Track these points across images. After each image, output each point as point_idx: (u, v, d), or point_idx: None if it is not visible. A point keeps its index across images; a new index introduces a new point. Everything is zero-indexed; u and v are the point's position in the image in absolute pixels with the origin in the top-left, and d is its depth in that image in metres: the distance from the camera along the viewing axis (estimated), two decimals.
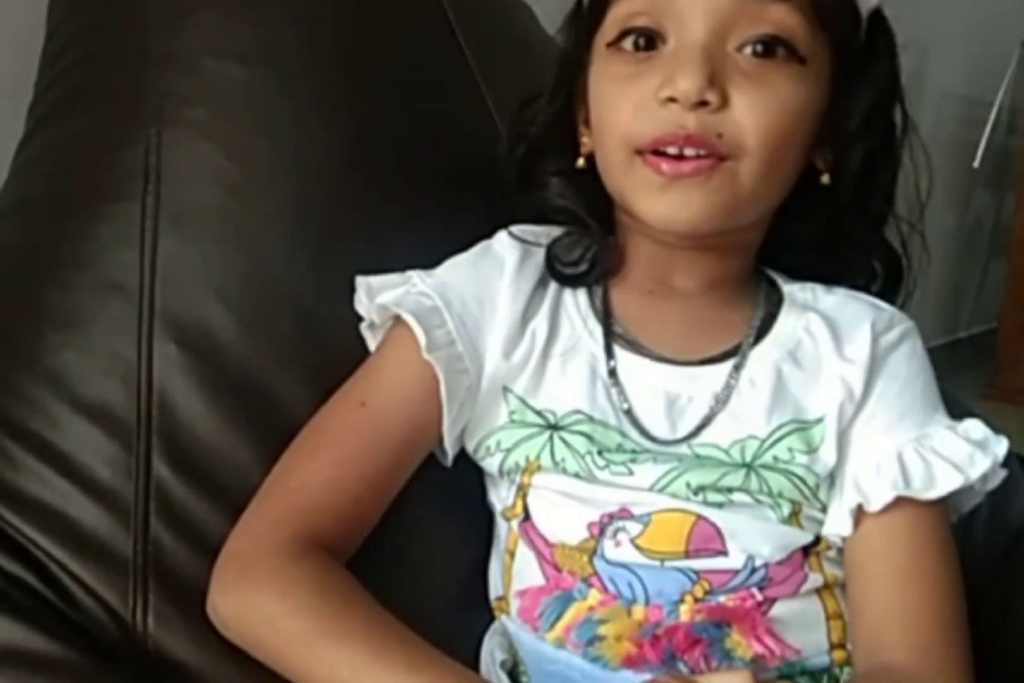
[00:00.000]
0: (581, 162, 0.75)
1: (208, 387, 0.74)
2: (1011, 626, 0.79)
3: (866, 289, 0.79)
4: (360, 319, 0.77)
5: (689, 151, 0.67)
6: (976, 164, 2.70)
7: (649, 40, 0.69)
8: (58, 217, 0.79)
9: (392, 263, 0.77)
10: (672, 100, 0.67)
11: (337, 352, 0.76)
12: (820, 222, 0.75)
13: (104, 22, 0.85)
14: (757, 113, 0.67)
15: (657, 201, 0.69)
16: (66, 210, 0.79)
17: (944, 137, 2.76)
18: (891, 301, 0.79)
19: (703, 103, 0.66)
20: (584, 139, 0.76)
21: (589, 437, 0.70)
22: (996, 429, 0.73)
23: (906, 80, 2.53)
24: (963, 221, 2.95)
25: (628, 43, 0.70)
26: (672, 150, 0.67)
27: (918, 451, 0.70)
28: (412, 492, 0.73)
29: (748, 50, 0.68)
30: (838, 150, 0.73)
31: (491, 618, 0.76)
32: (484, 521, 0.78)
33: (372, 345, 0.76)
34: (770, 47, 0.68)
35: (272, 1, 0.85)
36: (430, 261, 0.77)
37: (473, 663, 0.74)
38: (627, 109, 0.69)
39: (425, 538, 0.77)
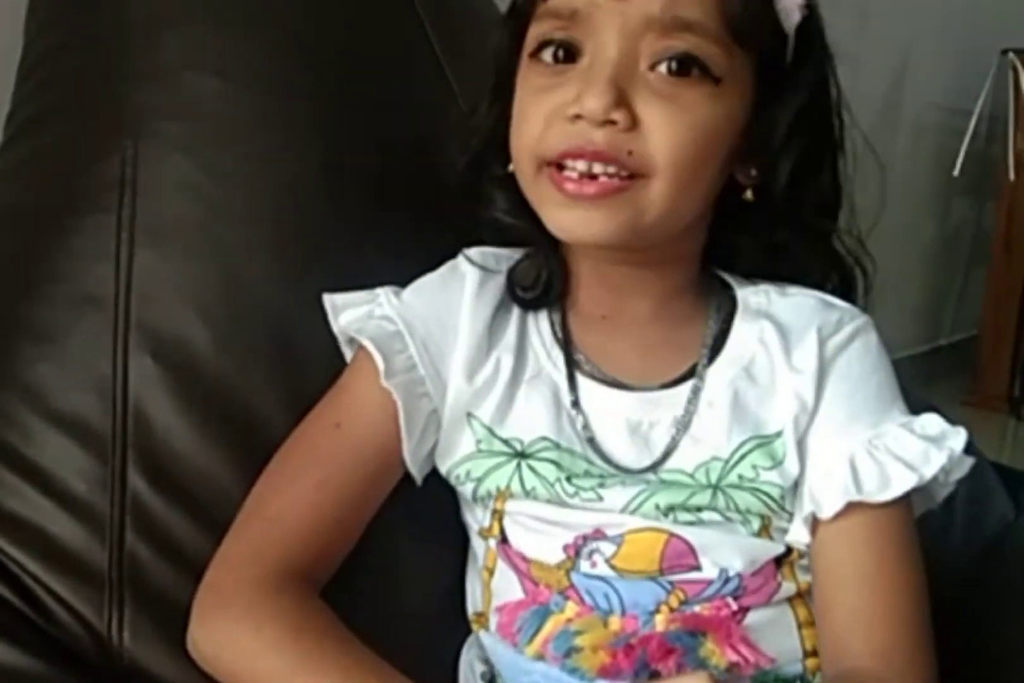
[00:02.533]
0: (512, 167, 0.73)
1: (184, 400, 0.74)
2: (985, 632, 0.79)
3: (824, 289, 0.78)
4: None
5: (598, 167, 0.67)
6: (956, 173, 2.71)
7: (568, 53, 0.69)
8: (33, 230, 0.79)
9: (369, 276, 0.77)
10: (579, 117, 0.66)
11: (314, 365, 0.77)
12: (757, 235, 0.74)
13: (81, 35, 0.85)
14: (667, 132, 0.66)
15: (562, 215, 0.69)
16: (41, 223, 0.79)
17: (924, 146, 2.77)
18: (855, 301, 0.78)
19: (611, 122, 0.66)
20: None
21: (557, 464, 0.70)
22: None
23: (886, 90, 2.55)
24: (944, 229, 2.96)
25: (547, 55, 0.69)
26: (581, 166, 0.67)
27: (871, 453, 0.70)
28: (386, 509, 0.73)
29: (662, 68, 0.67)
30: (762, 165, 0.72)
31: (468, 631, 0.76)
32: (458, 536, 0.78)
33: (349, 359, 0.77)
34: (684, 66, 0.67)
35: (250, 16, 0.86)
36: (407, 275, 0.77)
37: (451, 676, 0.74)
38: (538, 121, 0.69)
39: (400, 555, 0.77)
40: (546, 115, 0.68)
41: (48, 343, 0.74)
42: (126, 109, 0.81)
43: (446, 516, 0.78)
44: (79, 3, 0.87)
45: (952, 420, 0.72)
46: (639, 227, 0.68)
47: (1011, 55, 2.71)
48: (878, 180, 0.78)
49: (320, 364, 0.76)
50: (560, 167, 0.68)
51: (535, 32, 0.70)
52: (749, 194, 0.73)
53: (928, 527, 0.75)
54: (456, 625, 0.76)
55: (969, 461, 0.71)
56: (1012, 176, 2.69)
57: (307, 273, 0.79)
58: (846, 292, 0.78)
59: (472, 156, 0.77)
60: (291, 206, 0.80)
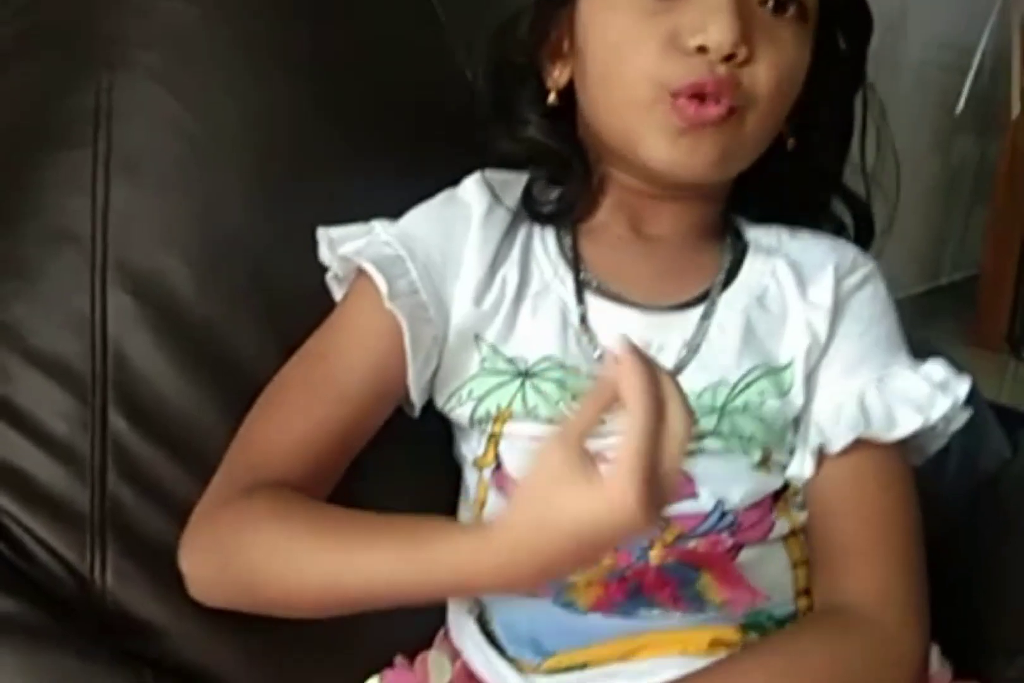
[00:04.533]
0: (553, 98, 0.73)
1: (164, 338, 0.72)
2: (979, 570, 0.79)
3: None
4: (321, 270, 0.75)
5: (711, 98, 0.67)
6: (959, 110, 2.67)
7: None
8: (6, 165, 0.76)
9: (354, 212, 0.75)
10: (702, 49, 0.66)
11: (295, 303, 0.75)
12: (778, 174, 0.76)
13: None
14: (772, 69, 0.68)
15: (670, 146, 0.68)
16: (14, 157, 0.76)
17: (927, 84, 2.73)
18: (864, 248, 0.79)
19: (731, 56, 0.66)
20: (556, 73, 0.74)
21: (561, 384, 0.69)
22: (962, 369, 0.73)
23: (887, 28, 2.52)
24: (946, 167, 2.92)
25: None
26: (701, 99, 0.67)
27: (879, 393, 0.71)
28: (377, 443, 0.72)
29: (768, 5, 0.68)
30: (806, 108, 0.73)
31: None
32: (451, 473, 0.76)
33: (338, 297, 0.75)
34: (783, 5, 0.68)
35: None
36: (394, 211, 0.75)
37: (440, 611, 0.73)
38: (651, 48, 0.67)
39: (391, 490, 0.75)
40: (660, 43, 0.67)
41: (23, 280, 0.72)
42: (98, 38, 0.79)
43: (437, 453, 0.77)
44: None
45: (957, 366, 0.73)
46: (735, 158, 0.70)
47: None
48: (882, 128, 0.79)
49: (304, 302, 0.74)
50: (674, 97, 0.67)
51: None
52: (791, 141, 0.75)
53: (924, 464, 0.75)
54: None
55: (966, 413, 0.72)
56: (1015, 113, 2.65)
57: (290, 207, 0.76)
58: (858, 236, 0.79)
59: (509, 79, 0.75)
60: (273, 140, 0.78)
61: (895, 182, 0.80)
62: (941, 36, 2.69)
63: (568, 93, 0.74)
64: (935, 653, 0.71)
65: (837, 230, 0.80)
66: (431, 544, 0.57)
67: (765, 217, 0.79)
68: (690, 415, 0.53)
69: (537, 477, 0.54)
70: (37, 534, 0.66)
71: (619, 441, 0.52)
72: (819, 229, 0.79)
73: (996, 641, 0.74)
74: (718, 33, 0.65)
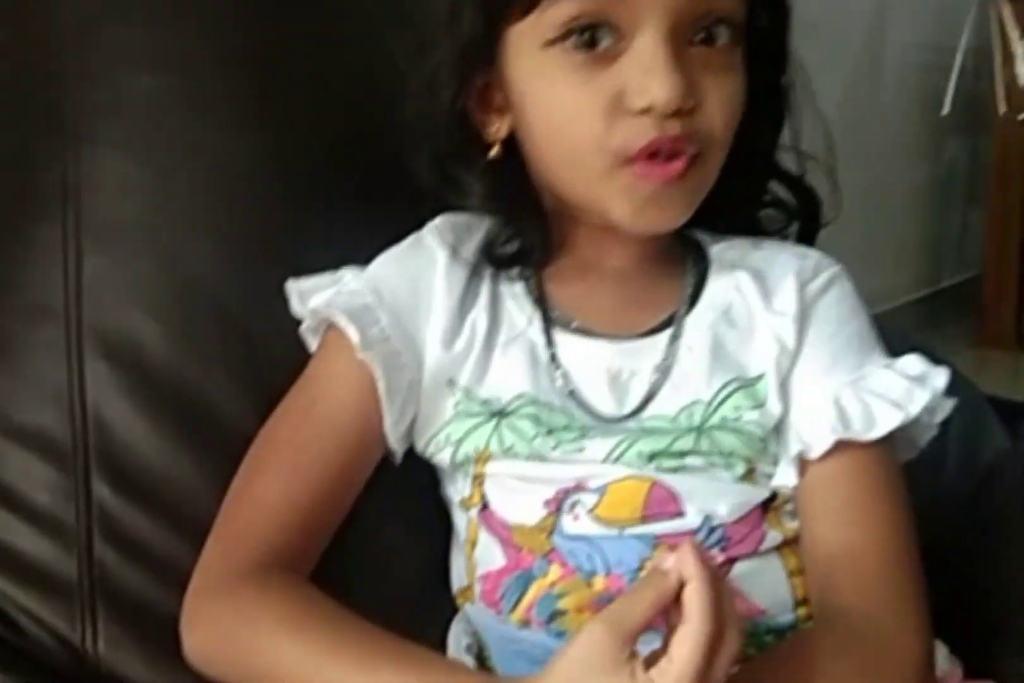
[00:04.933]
0: (496, 151, 0.72)
1: (143, 402, 0.73)
2: (984, 565, 0.79)
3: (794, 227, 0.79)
4: (295, 322, 0.76)
5: (669, 154, 0.66)
6: (945, 111, 2.67)
7: (594, 38, 0.65)
8: None
9: (321, 264, 0.75)
10: (648, 109, 0.65)
11: (271, 358, 0.76)
12: (737, 184, 0.74)
13: (8, 41, 0.84)
14: (721, 106, 0.67)
15: (640, 210, 0.68)
16: None
17: (911, 86, 2.73)
18: (812, 239, 0.79)
19: (680, 109, 0.65)
20: (494, 127, 0.72)
21: (536, 419, 0.70)
22: (941, 362, 0.73)
23: (867, 33, 2.50)
24: (937, 170, 2.92)
25: (573, 43, 0.65)
26: (660, 158, 0.66)
27: (855, 393, 0.70)
28: (366, 490, 0.73)
29: (698, 40, 0.66)
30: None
31: (455, 610, 0.76)
32: (439, 514, 0.77)
33: (314, 348, 0.75)
34: (714, 34, 0.67)
35: (178, 8, 0.84)
36: (364, 257, 0.76)
37: (439, 649, 0.73)
38: (597, 116, 0.66)
39: (383, 535, 0.76)
40: (603, 111, 0.65)
41: (1, 356, 0.73)
42: (62, 112, 0.80)
43: (427, 496, 0.77)
44: (5, 5, 0.86)
45: (936, 360, 0.72)
46: (700, 199, 0.70)
47: None
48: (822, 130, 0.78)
49: (279, 355, 0.75)
50: (632, 160, 0.66)
51: (554, 16, 0.65)
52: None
53: (922, 462, 0.75)
54: (443, 605, 0.75)
55: (951, 403, 0.71)
56: (1002, 109, 2.65)
57: (257, 263, 0.77)
58: (812, 230, 0.79)
59: (442, 150, 0.73)
60: (235, 196, 0.79)
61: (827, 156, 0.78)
62: (921, 37, 2.70)
63: (510, 140, 0.72)
64: (943, 652, 0.71)
65: (787, 215, 0.79)
66: None
67: (720, 219, 0.77)
68: (742, 638, 0.55)
69: (577, 658, 0.54)
70: (26, 606, 0.68)
71: (675, 644, 0.53)
72: (767, 216, 0.79)
73: (1007, 636, 0.73)
74: (661, 92, 0.64)
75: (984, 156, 2.86)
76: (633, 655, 0.53)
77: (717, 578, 0.55)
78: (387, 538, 0.77)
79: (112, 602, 0.69)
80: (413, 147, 0.73)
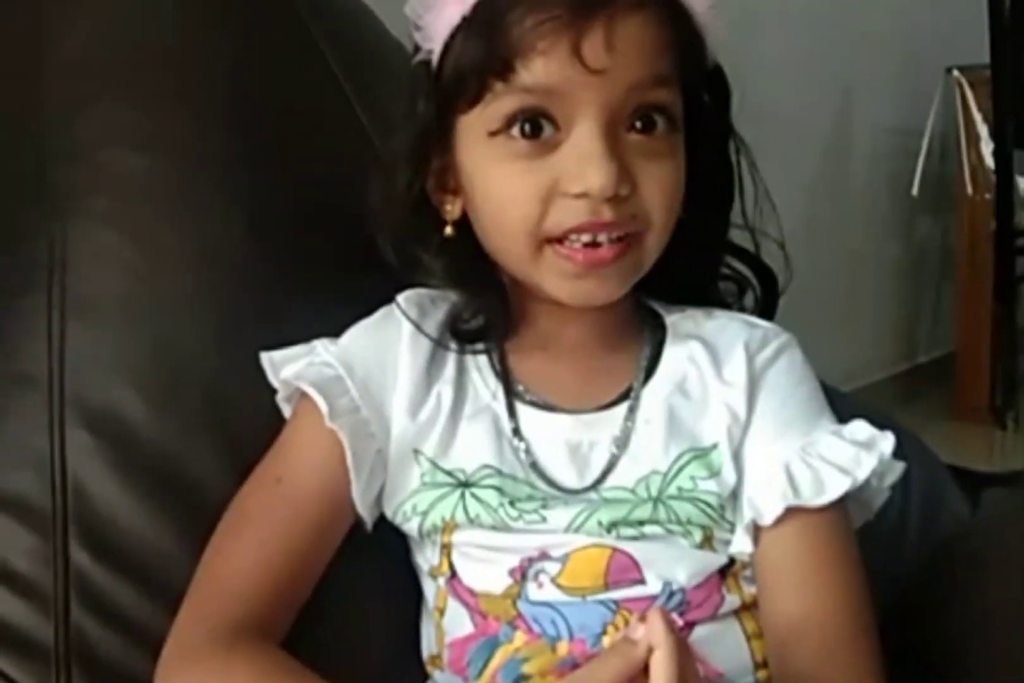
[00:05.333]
0: (449, 231, 0.74)
1: (123, 471, 0.75)
2: (939, 630, 0.79)
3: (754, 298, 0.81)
4: (274, 392, 0.77)
5: (602, 237, 0.69)
6: (915, 192, 2.74)
7: (535, 126, 0.68)
8: None
9: (299, 335, 0.77)
10: (583, 195, 0.67)
11: (251, 428, 0.77)
12: (690, 257, 0.77)
13: None
14: (660, 191, 0.69)
15: (573, 287, 0.71)
16: None
17: (880, 168, 2.80)
18: (771, 314, 0.81)
19: (615, 195, 0.67)
20: (448, 207, 0.75)
21: (500, 490, 0.71)
22: (896, 429, 0.74)
23: (835, 118, 2.57)
24: (910, 249, 2.98)
25: (516, 131, 0.69)
26: (586, 238, 0.69)
27: (804, 459, 0.71)
28: (338, 558, 0.74)
29: (637, 127, 0.69)
30: (688, 189, 0.74)
31: (425, 677, 0.76)
32: (411, 583, 0.77)
33: (288, 416, 0.77)
34: (652, 122, 0.69)
35: (165, 89, 0.87)
36: (339, 327, 0.78)
37: None
38: (532, 202, 0.69)
39: (354, 602, 0.77)
40: (540, 195, 0.68)
41: None
42: (49, 188, 0.83)
43: (399, 563, 0.78)
44: None
45: (884, 426, 0.74)
46: (637, 276, 0.72)
47: (955, 73, 2.74)
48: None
49: (259, 424, 0.77)
50: (561, 240, 0.69)
51: (498, 109, 0.68)
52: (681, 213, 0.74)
53: (883, 529, 0.77)
54: (413, 672, 0.76)
55: (900, 466, 0.73)
56: (969, 191, 2.72)
57: (238, 334, 0.79)
58: (770, 303, 0.81)
59: (402, 229, 0.76)
60: (218, 271, 0.81)
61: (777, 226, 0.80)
62: (888, 121, 2.77)
63: (465, 221, 0.75)
64: None
65: (741, 288, 0.81)
66: None
67: (675, 291, 0.80)
68: None
69: None
70: (2, 669, 0.68)
71: None
72: (726, 290, 0.81)
73: None
74: (597, 179, 0.66)
75: (953, 235, 2.93)
76: None
77: (684, 646, 0.56)
78: (358, 605, 0.77)
79: (88, 667, 0.69)
80: (376, 229, 0.76)
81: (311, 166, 0.89)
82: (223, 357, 0.79)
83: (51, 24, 0.88)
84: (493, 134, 0.69)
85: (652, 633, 0.55)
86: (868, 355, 2.69)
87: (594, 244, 0.69)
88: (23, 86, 0.87)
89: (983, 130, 2.67)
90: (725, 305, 0.81)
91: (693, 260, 0.77)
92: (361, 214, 0.88)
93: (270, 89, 0.91)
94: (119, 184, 0.83)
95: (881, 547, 0.75)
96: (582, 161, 0.67)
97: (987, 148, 2.67)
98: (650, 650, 0.55)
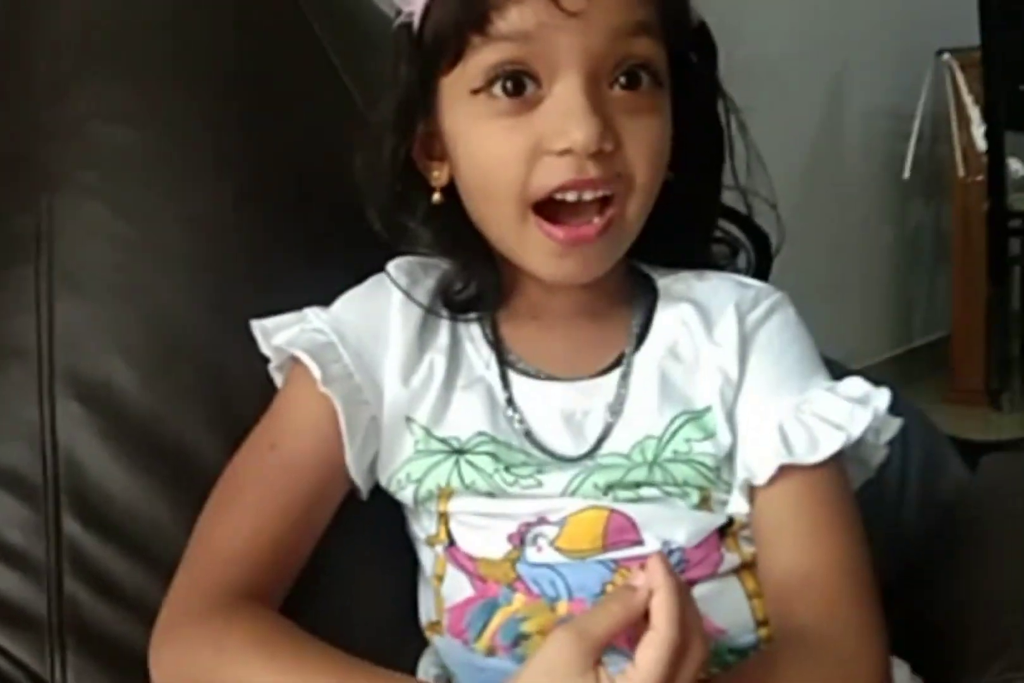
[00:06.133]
0: (438, 198, 0.74)
1: (114, 442, 0.74)
2: (942, 591, 0.79)
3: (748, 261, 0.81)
4: (265, 362, 0.77)
5: (588, 195, 0.68)
6: (906, 175, 2.74)
7: (518, 84, 0.67)
8: None
9: (292, 304, 0.76)
10: (567, 151, 0.66)
11: (242, 397, 0.77)
12: (680, 219, 0.76)
13: None
14: (644, 149, 0.68)
15: (556, 264, 0.70)
16: None
17: (872, 152, 2.80)
18: (765, 275, 0.80)
19: (600, 150, 0.66)
20: (435, 174, 0.74)
21: (495, 456, 0.71)
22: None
23: (827, 101, 2.58)
24: (903, 232, 2.98)
25: (498, 89, 0.67)
26: (571, 196, 0.68)
27: (798, 417, 0.71)
28: (334, 526, 0.73)
29: (619, 85, 0.68)
30: (677, 151, 0.73)
31: (424, 645, 0.76)
32: (406, 549, 0.77)
33: (280, 384, 0.77)
34: (635, 77, 0.68)
35: (153, 61, 0.86)
36: (328, 296, 0.77)
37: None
38: (518, 162, 0.67)
39: (352, 571, 0.77)
40: (524, 155, 0.67)
41: None
42: (38, 162, 0.82)
43: (396, 533, 0.77)
44: None
45: (878, 383, 0.73)
46: (622, 249, 0.71)
47: (946, 55, 2.74)
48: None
49: (250, 393, 0.76)
50: (542, 209, 0.68)
51: (478, 64, 0.67)
52: (671, 176, 0.73)
53: (884, 495, 0.77)
54: (412, 640, 0.75)
55: (897, 422, 0.72)
56: (961, 173, 2.72)
57: (229, 304, 0.79)
58: (762, 265, 0.80)
59: (389, 197, 0.75)
60: (206, 239, 0.81)
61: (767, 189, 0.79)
62: (879, 105, 2.77)
63: (452, 188, 0.74)
64: (905, 671, 0.71)
65: (734, 250, 0.80)
66: None
67: (667, 254, 0.79)
68: (708, 648, 0.55)
69: (542, 665, 0.55)
70: None
71: (641, 650, 0.54)
72: (720, 252, 0.80)
73: (966, 655, 0.73)
74: (580, 134, 0.65)
75: (946, 218, 2.93)
76: (598, 664, 0.54)
77: (684, 589, 0.55)
78: (355, 573, 0.77)
79: (81, 637, 0.68)
80: (364, 198, 0.75)
81: (302, 138, 0.88)
82: (214, 327, 0.78)
83: None
84: (475, 92, 0.68)
85: (652, 576, 0.55)
86: (863, 339, 2.69)
87: (577, 219, 0.68)
88: (14, 60, 0.86)
89: (974, 112, 2.67)
90: (718, 267, 0.80)
91: (685, 222, 0.76)
92: (353, 184, 0.88)
93: (260, 62, 0.90)
94: (108, 156, 0.82)
95: (882, 510, 0.75)
96: (564, 116, 0.66)
97: (978, 130, 2.67)
98: (651, 595, 0.55)
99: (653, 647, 0.53)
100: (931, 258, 3.05)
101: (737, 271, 0.80)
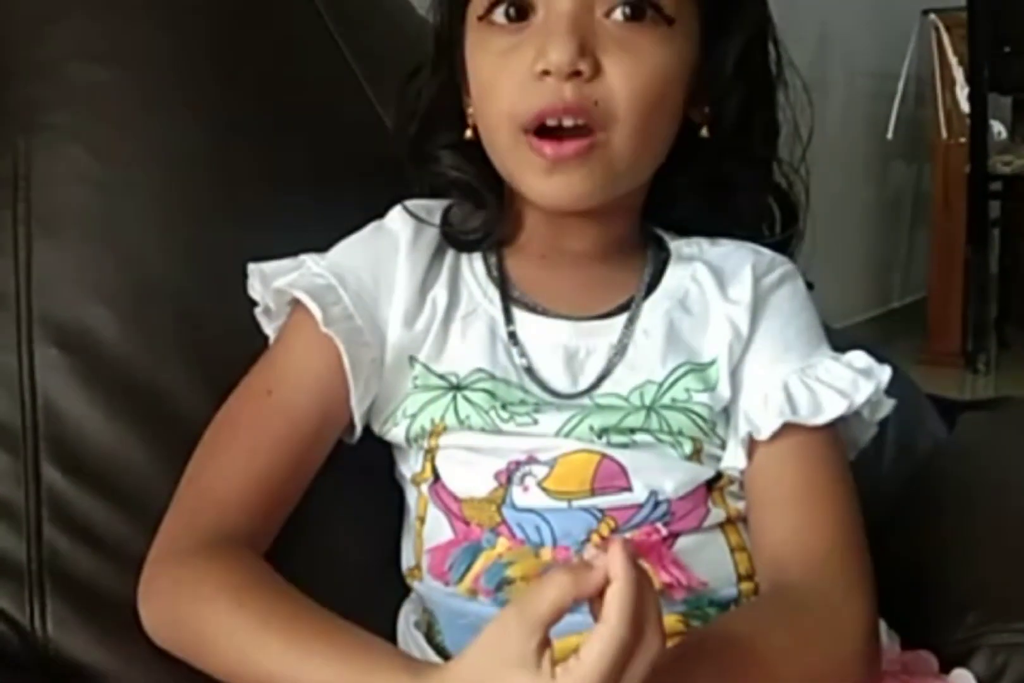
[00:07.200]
0: (469, 133, 0.75)
1: (93, 387, 0.73)
2: (917, 546, 0.80)
3: (756, 240, 0.80)
4: (247, 306, 0.76)
5: (568, 121, 0.68)
6: (890, 136, 2.74)
7: (520, 11, 0.69)
8: None
9: (270, 249, 0.76)
10: (547, 73, 0.67)
11: (222, 344, 0.76)
12: (703, 173, 0.76)
13: None
14: (629, 80, 0.68)
15: (543, 182, 0.70)
16: None
17: (855, 112, 2.80)
18: (787, 250, 0.80)
19: (576, 73, 0.67)
20: (470, 110, 0.75)
21: (492, 393, 0.71)
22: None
23: (811, 61, 2.57)
24: (883, 193, 2.99)
25: (499, 15, 0.69)
26: (551, 121, 0.68)
27: (803, 380, 0.72)
28: (324, 471, 0.73)
29: (617, 15, 0.68)
30: (714, 102, 0.74)
31: (406, 591, 0.76)
32: (394, 495, 0.77)
33: (268, 330, 0.76)
34: (638, 10, 0.68)
35: (142, 4, 0.85)
36: (316, 246, 0.76)
37: (390, 634, 0.73)
38: (508, 86, 0.69)
39: (337, 516, 0.76)
40: (514, 79, 0.68)
41: None
42: (14, 105, 0.81)
43: (383, 478, 0.78)
44: None
45: (880, 360, 0.74)
46: (612, 182, 0.71)
47: (932, 16, 2.74)
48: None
49: (231, 341, 0.76)
50: (537, 133, 0.68)
51: None
52: (705, 131, 0.74)
53: (863, 450, 0.77)
54: (394, 587, 0.75)
55: (891, 403, 0.74)
56: (944, 135, 2.72)
57: (207, 248, 0.78)
58: (781, 241, 0.80)
59: (419, 122, 0.77)
60: (185, 185, 0.80)
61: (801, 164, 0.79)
62: (864, 65, 2.76)
63: None
64: (882, 627, 0.72)
65: (754, 236, 0.80)
66: (372, 676, 0.57)
67: (686, 230, 0.79)
68: (663, 643, 0.53)
69: (486, 650, 0.53)
70: None
71: (586, 642, 0.51)
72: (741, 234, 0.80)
73: (941, 609, 0.75)
74: (555, 53, 0.66)
75: (927, 180, 2.93)
76: (544, 644, 0.52)
77: (643, 580, 0.53)
78: (340, 518, 0.77)
79: (61, 584, 0.68)
80: (397, 123, 0.79)
81: (285, 84, 0.87)
82: (192, 271, 0.77)
83: None
84: (480, 19, 0.70)
85: (611, 564, 0.52)
86: (841, 299, 2.70)
87: (559, 135, 0.68)
88: None
89: (958, 74, 2.67)
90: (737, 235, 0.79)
91: (718, 186, 0.76)
92: (336, 130, 0.87)
93: (246, 8, 0.89)
94: (85, 98, 0.81)
95: (860, 465, 0.75)
96: (545, 38, 0.67)
97: (962, 92, 2.67)
98: (606, 581, 0.52)
99: (600, 640, 0.51)
100: (910, 220, 3.06)
101: (752, 239, 0.79)
